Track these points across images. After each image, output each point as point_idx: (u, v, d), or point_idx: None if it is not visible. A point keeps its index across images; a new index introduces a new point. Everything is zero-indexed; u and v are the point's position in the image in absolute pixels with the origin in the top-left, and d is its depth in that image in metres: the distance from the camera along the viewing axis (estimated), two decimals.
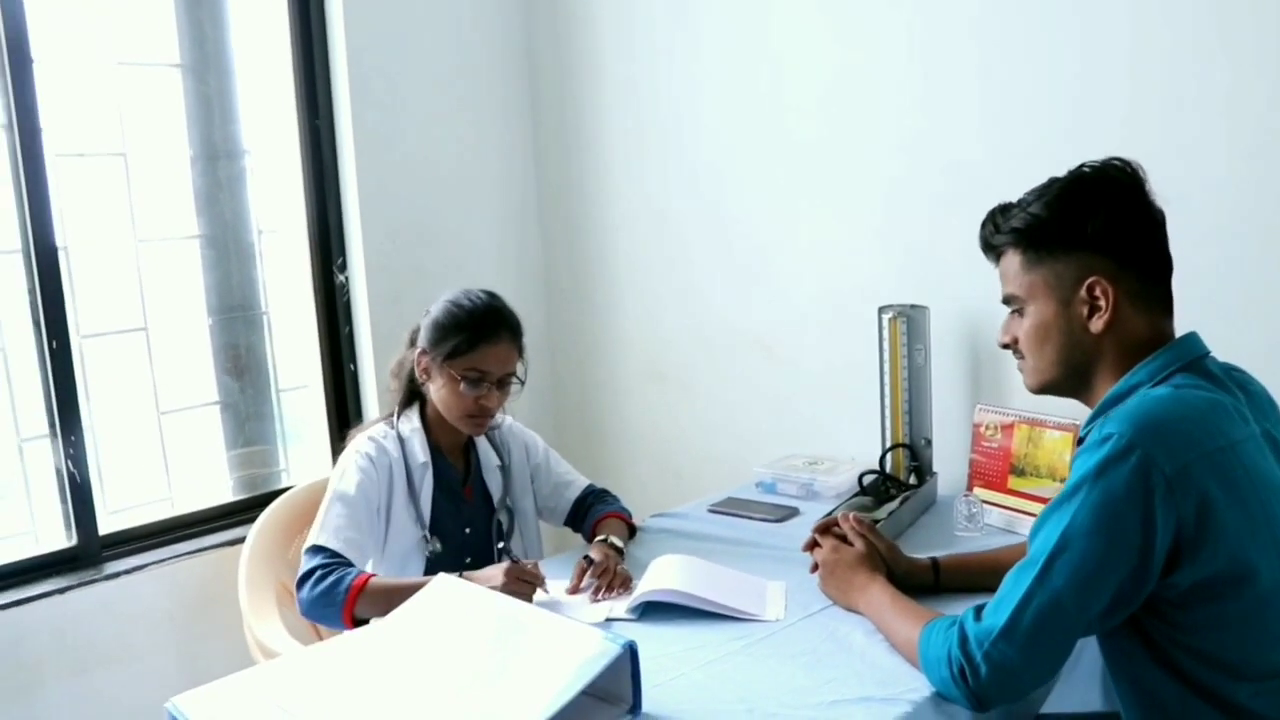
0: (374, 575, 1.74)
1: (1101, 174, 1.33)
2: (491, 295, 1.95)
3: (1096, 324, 1.31)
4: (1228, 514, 1.17)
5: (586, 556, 1.79)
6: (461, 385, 1.88)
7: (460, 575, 1.65)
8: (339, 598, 1.68)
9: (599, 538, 1.89)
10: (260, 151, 2.66)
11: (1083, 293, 1.31)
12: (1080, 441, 1.28)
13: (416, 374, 1.95)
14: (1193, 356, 1.30)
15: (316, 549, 1.77)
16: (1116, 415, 1.22)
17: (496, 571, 1.67)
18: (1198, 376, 1.28)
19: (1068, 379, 1.36)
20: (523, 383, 1.96)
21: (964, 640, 1.27)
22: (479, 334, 1.88)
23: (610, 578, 1.73)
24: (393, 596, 1.58)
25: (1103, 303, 1.30)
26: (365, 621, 1.66)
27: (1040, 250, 1.34)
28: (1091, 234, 1.30)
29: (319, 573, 1.72)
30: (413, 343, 1.96)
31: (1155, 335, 1.32)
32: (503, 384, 1.91)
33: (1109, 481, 1.18)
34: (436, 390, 1.92)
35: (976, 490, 2.06)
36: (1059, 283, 1.32)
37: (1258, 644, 1.21)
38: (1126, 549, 1.18)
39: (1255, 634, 1.20)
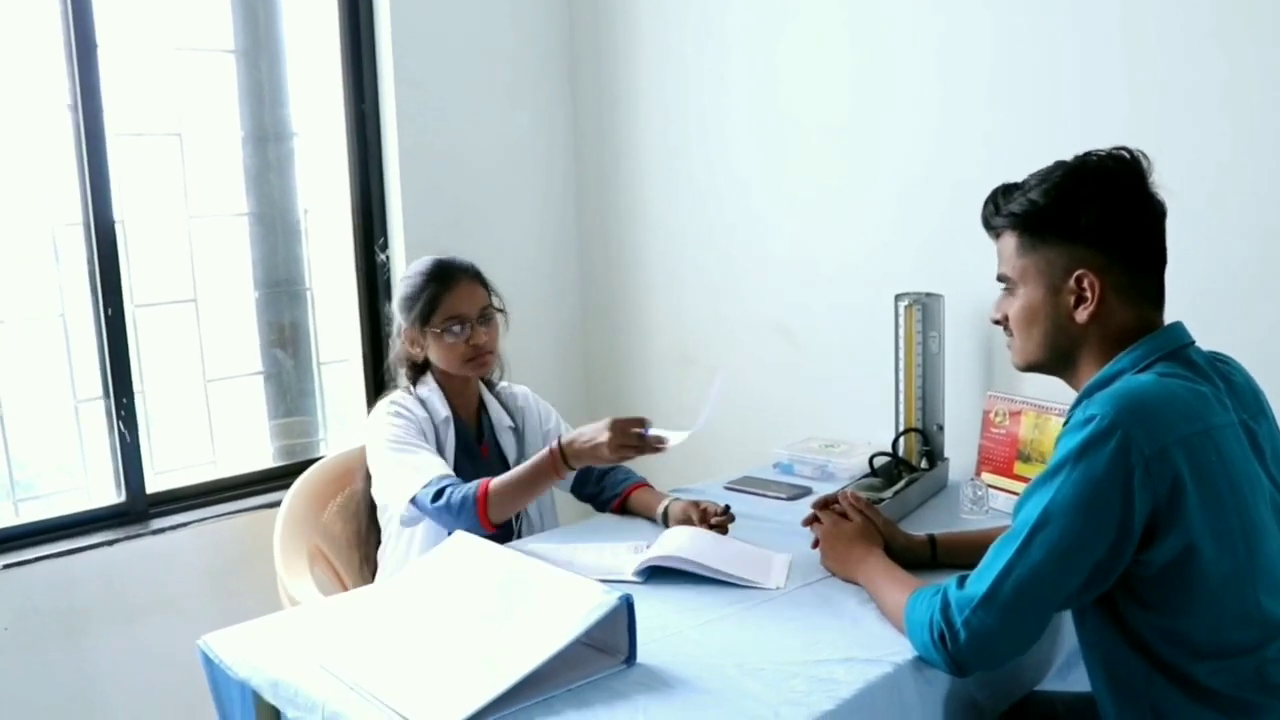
0: (489, 480, 1.82)
1: (1101, 166, 1.32)
2: (436, 254, 2.05)
3: (1081, 314, 1.33)
4: (1195, 496, 1.20)
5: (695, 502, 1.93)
6: (447, 337, 1.97)
7: (567, 435, 1.82)
8: (471, 508, 1.79)
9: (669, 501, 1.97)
10: (308, 134, 2.72)
11: (1071, 283, 1.33)
12: (1066, 423, 1.31)
13: (410, 351, 2.03)
14: (1175, 345, 1.32)
15: (421, 492, 1.84)
16: (1100, 398, 1.25)
17: (601, 427, 1.77)
18: (1180, 365, 1.30)
19: (1052, 361, 1.39)
20: (504, 312, 2.05)
21: (945, 606, 1.30)
22: (437, 286, 1.98)
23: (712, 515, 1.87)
24: (518, 491, 1.80)
25: (1089, 295, 1.32)
26: (505, 522, 1.87)
27: (1034, 236, 1.35)
28: (1084, 227, 1.31)
29: (446, 492, 1.82)
30: (399, 333, 2.05)
31: (1141, 325, 1.33)
32: (485, 319, 2.00)
33: (1091, 461, 1.21)
34: (434, 354, 2.01)
35: (984, 475, 2.10)
36: (1049, 270, 1.34)
37: (1217, 623, 1.23)
38: (1105, 526, 1.21)
39: (1214, 614, 1.23)
